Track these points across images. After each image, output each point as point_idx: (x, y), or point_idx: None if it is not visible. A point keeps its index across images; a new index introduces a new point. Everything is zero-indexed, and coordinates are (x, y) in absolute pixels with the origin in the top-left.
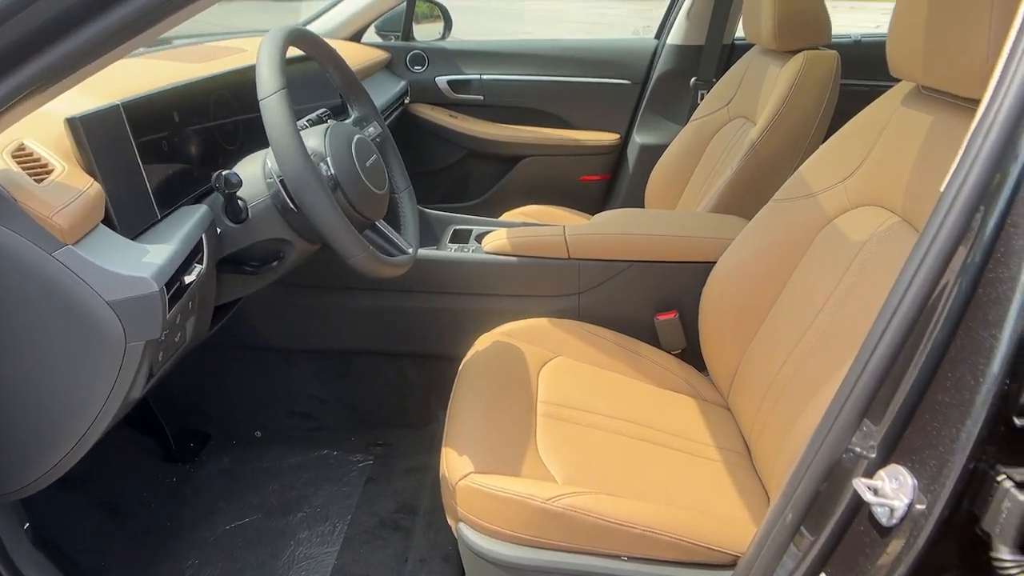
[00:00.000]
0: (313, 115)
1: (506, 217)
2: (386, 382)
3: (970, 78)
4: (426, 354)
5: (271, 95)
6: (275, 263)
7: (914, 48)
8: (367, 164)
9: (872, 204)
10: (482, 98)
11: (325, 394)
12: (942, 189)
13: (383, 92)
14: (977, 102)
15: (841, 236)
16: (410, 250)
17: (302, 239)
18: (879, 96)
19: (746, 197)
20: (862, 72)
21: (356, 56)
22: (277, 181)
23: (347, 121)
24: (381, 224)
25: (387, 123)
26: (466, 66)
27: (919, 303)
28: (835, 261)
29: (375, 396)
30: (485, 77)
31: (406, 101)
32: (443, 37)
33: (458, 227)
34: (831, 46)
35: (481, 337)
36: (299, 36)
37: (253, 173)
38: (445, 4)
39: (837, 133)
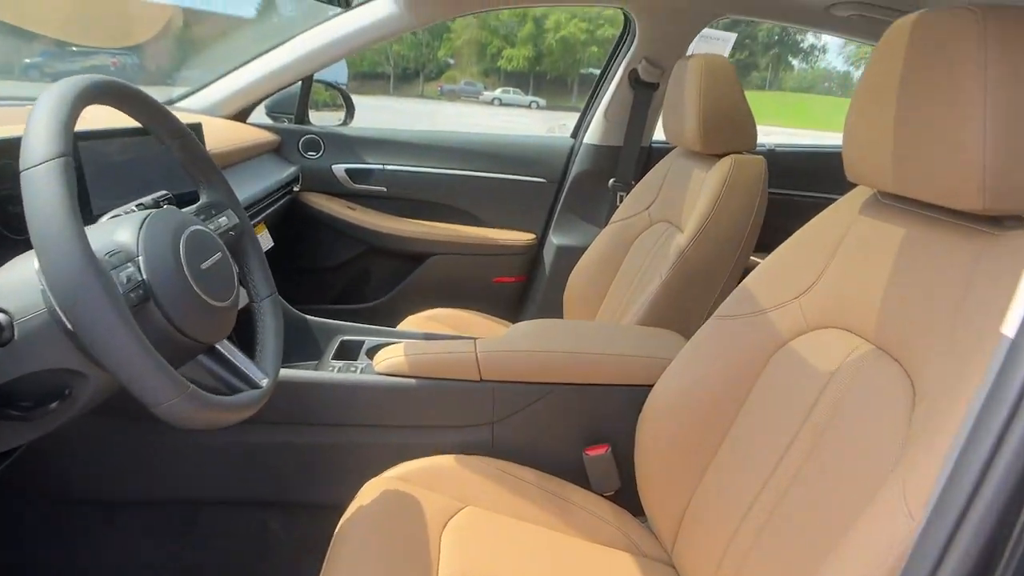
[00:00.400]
0: (148, 199)
1: (410, 321)
2: (244, 541)
3: (960, 188)
4: (297, 504)
5: (38, 164)
6: (56, 404)
7: (879, 153)
8: (203, 266)
9: (835, 327)
10: (385, 189)
11: (162, 560)
12: (1011, 335)
13: (266, 177)
14: (967, 215)
15: (802, 363)
16: (264, 381)
17: (99, 368)
18: (796, 205)
19: (678, 309)
20: (778, 181)
21: (236, 135)
22: (49, 290)
23: (188, 208)
24: (223, 347)
25: (272, 211)
26: (368, 154)
27: (1004, 504)
28: (799, 393)
29: (229, 560)
30: (389, 167)
31: (295, 189)
32: (344, 124)
33: (346, 338)
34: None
35: (369, 482)
36: (108, 90)
37: (24, 278)
38: (359, 101)
39: (785, 244)
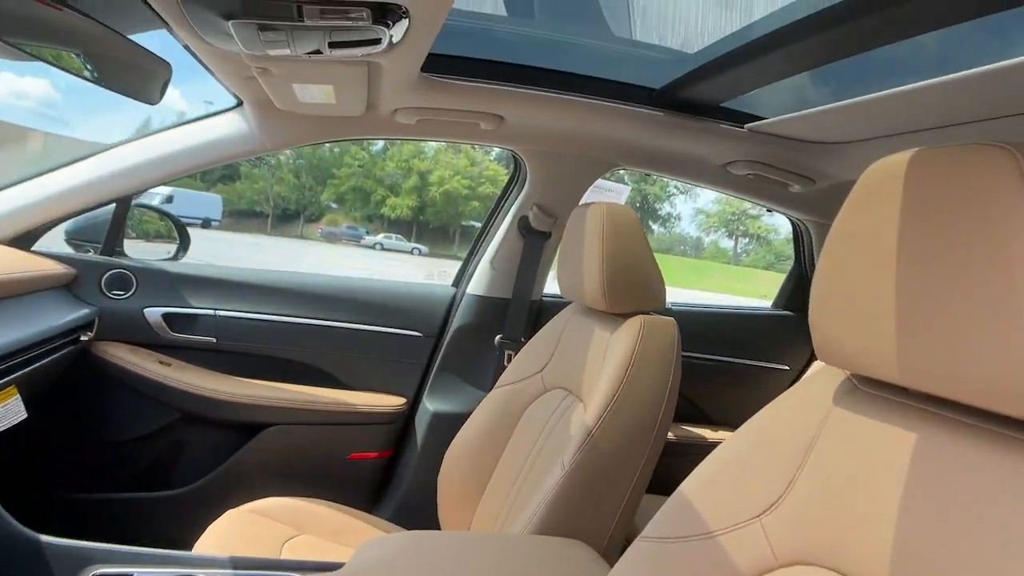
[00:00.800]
0: None
1: (228, 519)
2: None
3: (1014, 387)
4: None
5: None
6: None
7: (871, 330)
8: None
9: (818, 565)
10: (214, 340)
11: None
12: None
13: (37, 320)
14: (1000, 418)
15: None
16: None
17: None
18: (700, 369)
19: (585, 506)
20: None
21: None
22: None
23: None
24: None
25: (36, 368)
26: (196, 297)
27: None
28: None
29: None
30: (221, 312)
31: (85, 337)
32: (174, 258)
33: (102, 571)
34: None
35: None
36: None
37: None
38: (234, 239)
39: (731, 440)
